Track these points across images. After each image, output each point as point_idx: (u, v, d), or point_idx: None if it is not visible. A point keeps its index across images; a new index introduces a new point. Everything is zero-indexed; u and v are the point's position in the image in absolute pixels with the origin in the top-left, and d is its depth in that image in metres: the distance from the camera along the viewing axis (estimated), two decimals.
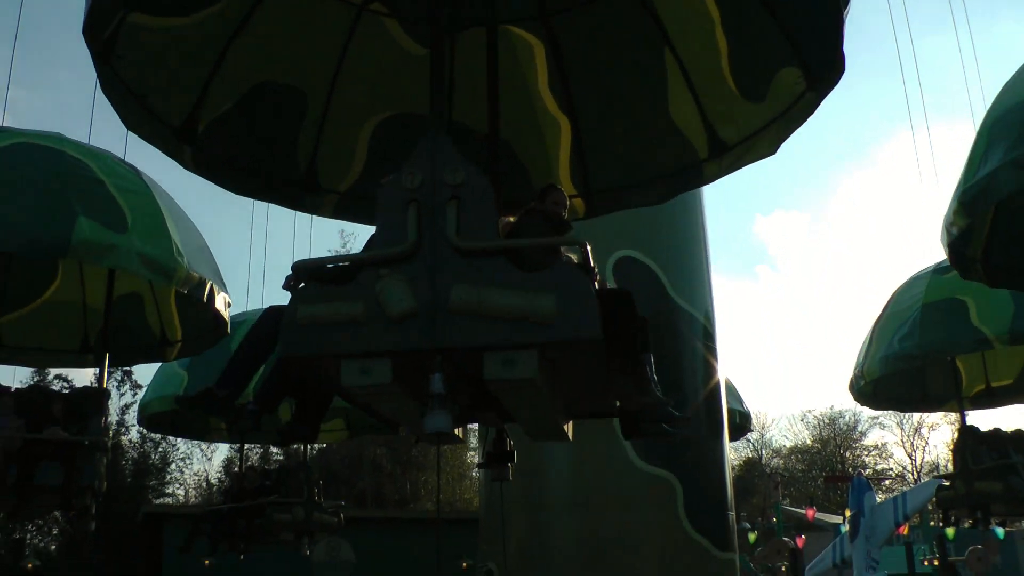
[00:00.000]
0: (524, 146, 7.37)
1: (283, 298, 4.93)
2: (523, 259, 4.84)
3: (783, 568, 29.24)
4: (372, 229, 5.45)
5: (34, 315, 13.06)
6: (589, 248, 5.09)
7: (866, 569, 26.65)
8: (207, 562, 16.61)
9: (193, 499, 38.87)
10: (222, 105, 6.54)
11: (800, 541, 30.10)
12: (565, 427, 5.86)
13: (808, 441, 59.60)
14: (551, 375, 4.82)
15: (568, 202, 6.09)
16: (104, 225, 9.61)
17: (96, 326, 12.88)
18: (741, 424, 22.38)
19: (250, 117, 6.73)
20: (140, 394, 25.44)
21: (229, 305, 11.43)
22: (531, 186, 7.27)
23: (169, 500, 36.71)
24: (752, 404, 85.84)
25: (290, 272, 5.14)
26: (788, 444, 60.21)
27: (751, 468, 56.23)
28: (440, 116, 5.31)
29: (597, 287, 5.03)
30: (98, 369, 12.07)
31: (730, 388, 20.13)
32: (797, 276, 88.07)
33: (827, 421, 57.90)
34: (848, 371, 15.12)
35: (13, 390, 12.49)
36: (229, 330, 11.80)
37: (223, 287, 11.15)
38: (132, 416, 29.12)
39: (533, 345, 4.54)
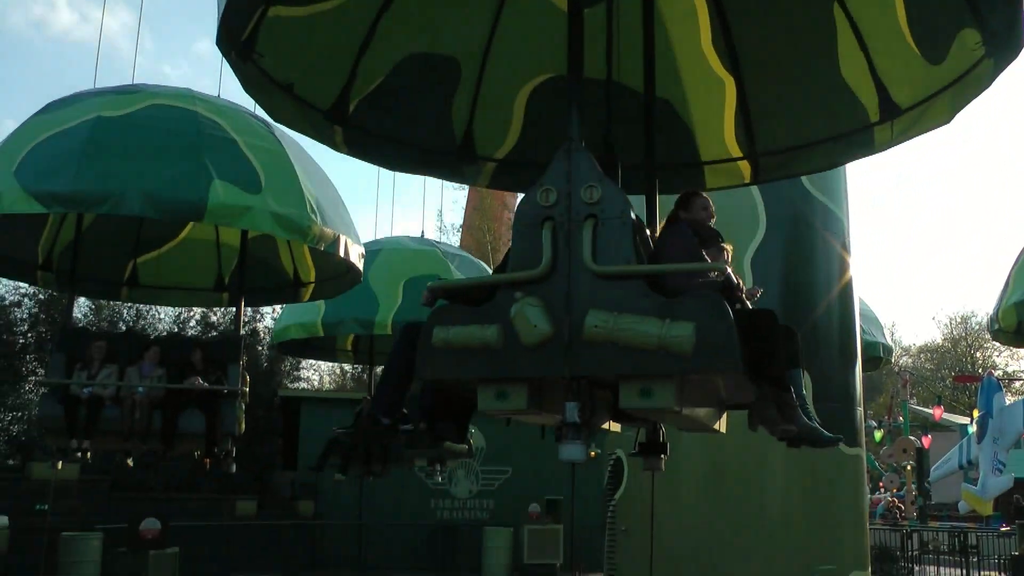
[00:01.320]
0: (687, 106, 7.07)
1: None
2: (663, 278, 4.68)
3: (908, 467, 29.23)
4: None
5: (170, 255, 13.33)
6: (731, 269, 4.95)
7: (992, 471, 26.44)
8: (337, 476, 17.36)
9: (328, 384, 40.01)
10: (372, 82, 6.40)
11: (926, 441, 29.92)
12: (716, 424, 5.78)
13: (938, 340, 58.65)
14: (692, 393, 4.70)
15: (713, 207, 5.76)
16: (238, 186, 9.67)
17: (230, 266, 13.12)
18: (884, 358, 22.24)
19: (402, 91, 6.59)
20: None
21: (363, 256, 11.46)
22: (695, 148, 7.12)
23: (304, 385, 37.86)
24: (882, 302, 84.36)
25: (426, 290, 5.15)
26: (917, 343, 59.17)
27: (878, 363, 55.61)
28: (578, 126, 5.02)
29: (739, 307, 4.86)
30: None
31: (871, 318, 20.02)
32: (935, 175, 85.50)
33: (959, 320, 56.65)
34: (982, 272, 14.95)
35: (154, 339, 13.06)
36: (363, 278, 11.92)
37: (356, 239, 11.17)
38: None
39: (671, 376, 4.43)
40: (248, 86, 5.81)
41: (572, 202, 4.67)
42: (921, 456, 29.10)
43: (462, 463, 23.63)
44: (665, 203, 6.51)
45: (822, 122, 6.78)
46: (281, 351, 20.75)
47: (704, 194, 5.73)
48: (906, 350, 59.02)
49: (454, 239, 44.32)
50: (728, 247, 5.73)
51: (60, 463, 11.49)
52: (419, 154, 6.94)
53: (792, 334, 5.21)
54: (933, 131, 6.36)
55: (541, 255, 4.61)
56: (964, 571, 21.59)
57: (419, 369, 4.71)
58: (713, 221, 5.69)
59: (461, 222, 43.66)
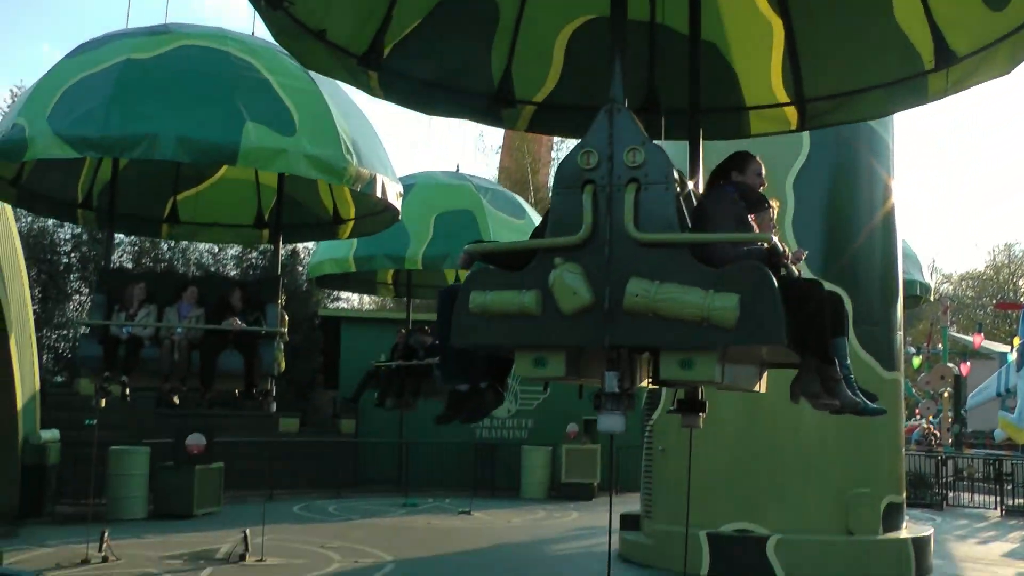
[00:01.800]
0: (734, 49, 6.84)
1: None
2: (707, 245, 4.55)
3: (945, 394, 29.20)
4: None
5: (209, 192, 13.31)
6: (776, 236, 4.78)
7: None
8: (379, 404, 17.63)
9: (367, 304, 40.28)
10: (408, 25, 6.22)
11: (964, 368, 29.83)
12: (756, 385, 5.70)
13: (980, 268, 57.94)
14: (734, 361, 4.62)
15: (764, 172, 5.51)
16: (272, 128, 9.55)
17: (270, 202, 12.99)
18: (922, 296, 22.24)
19: (439, 34, 6.39)
20: None
21: (400, 195, 11.38)
22: (740, 93, 6.96)
23: (344, 305, 38.11)
24: (925, 232, 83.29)
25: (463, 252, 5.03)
26: (959, 271, 58.56)
27: (922, 291, 55.28)
28: (620, 83, 4.80)
29: (785, 274, 4.75)
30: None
31: (911, 256, 19.96)
32: (994, 124, 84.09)
33: (1001, 248, 55.94)
34: None
35: (192, 278, 13.05)
36: (400, 216, 11.91)
37: (393, 177, 11.06)
38: None
39: (713, 348, 4.34)
40: (279, 35, 5.74)
41: (614, 165, 4.54)
42: (959, 383, 29.00)
43: None
44: (707, 149, 6.41)
45: (873, 68, 6.55)
46: (320, 285, 20.94)
47: (758, 158, 5.48)
48: (947, 277, 58.51)
49: (494, 160, 44.02)
50: (774, 204, 5.58)
51: (103, 400, 11.60)
52: (456, 98, 6.82)
53: (838, 302, 5.06)
54: (992, 81, 6.10)
55: (581, 220, 4.50)
56: (998, 498, 21.70)
57: (455, 335, 4.64)
58: (763, 188, 5.48)
59: (500, 143, 43.60)
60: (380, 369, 17.38)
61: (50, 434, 16.99)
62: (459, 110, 6.96)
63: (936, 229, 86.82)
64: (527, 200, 24.87)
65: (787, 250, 4.95)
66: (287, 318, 12.25)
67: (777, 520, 12.28)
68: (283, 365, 11.81)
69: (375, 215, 12.15)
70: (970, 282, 57.60)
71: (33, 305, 18.46)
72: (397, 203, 11.31)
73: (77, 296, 27.84)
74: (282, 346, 11.83)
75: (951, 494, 23.06)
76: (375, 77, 6.29)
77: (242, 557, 12.42)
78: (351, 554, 13.25)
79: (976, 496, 22.92)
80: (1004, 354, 31.05)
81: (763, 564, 12.07)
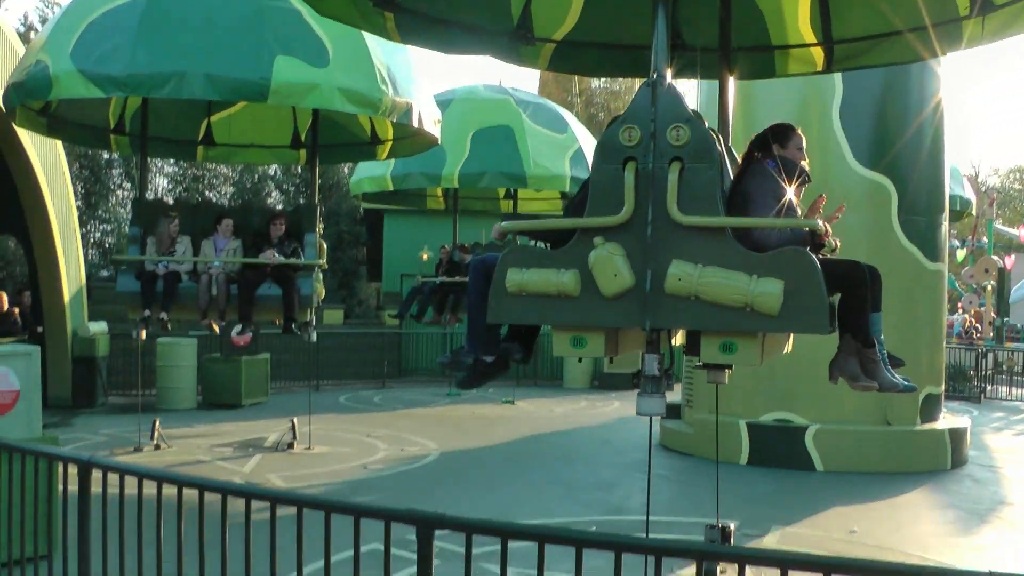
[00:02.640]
0: None
1: None
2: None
3: (989, 287, 29.00)
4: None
5: (243, 114, 13.22)
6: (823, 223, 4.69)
7: None
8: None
9: None
10: None
11: (1009, 261, 29.61)
12: (785, 349, 5.73)
13: None
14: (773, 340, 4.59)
15: (805, 146, 5.36)
16: (304, 61, 9.29)
17: (306, 123, 12.80)
18: (963, 211, 21.93)
19: None
20: None
21: (438, 122, 11.21)
22: (767, 31, 6.77)
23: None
24: (972, 122, 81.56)
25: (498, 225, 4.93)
26: (1006, 165, 57.45)
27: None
28: (664, 55, 4.63)
29: (825, 253, 4.73)
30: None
31: (952, 170, 19.65)
32: None
33: None
34: None
35: (228, 208, 13.03)
36: (440, 141, 11.78)
37: (431, 103, 10.89)
38: None
39: (755, 334, 4.30)
40: None
41: (657, 143, 4.40)
42: (1002, 277, 28.81)
43: None
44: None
45: (905, 11, 6.30)
46: (366, 200, 20.92)
47: (799, 130, 5.32)
48: (994, 170, 57.58)
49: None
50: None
51: (143, 333, 11.77)
52: (474, 36, 6.66)
53: (876, 278, 4.97)
54: None
55: (623, 199, 4.39)
56: None
57: (492, 312, 4.59)
58: (805, 162, 5.34)
59: None
60: (425, 284, 17.58)
61: (98, 326, 17.32)
62: (477, 47, 6.80)
63: (985, 121, 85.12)
64: (571, 106, 24.47)
65: (828, 228, 4.89)
66: (325, 247, 12.32)
67: (815, 411, 12.39)
68: (322, 294, 11.96)
69: (413, 136, 11.99)
70: (1017, 175, 56.62)
71: (76, 201, 18.64)
72: (435, 130, 11.13)
73: (120, 191, 28.05)
74: (320, 276, 11.86)
75: (989, 387, 23.06)
76: (391, 18, 6.13)
77: (290, 445, 12.73)
78: (397, 443, 13.54)
79: (1015, 390, 22.91)
80: None
81: (801, 453, 12.23)
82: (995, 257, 29.67)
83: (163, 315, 11.08)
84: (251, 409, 17.21)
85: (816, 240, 4.71)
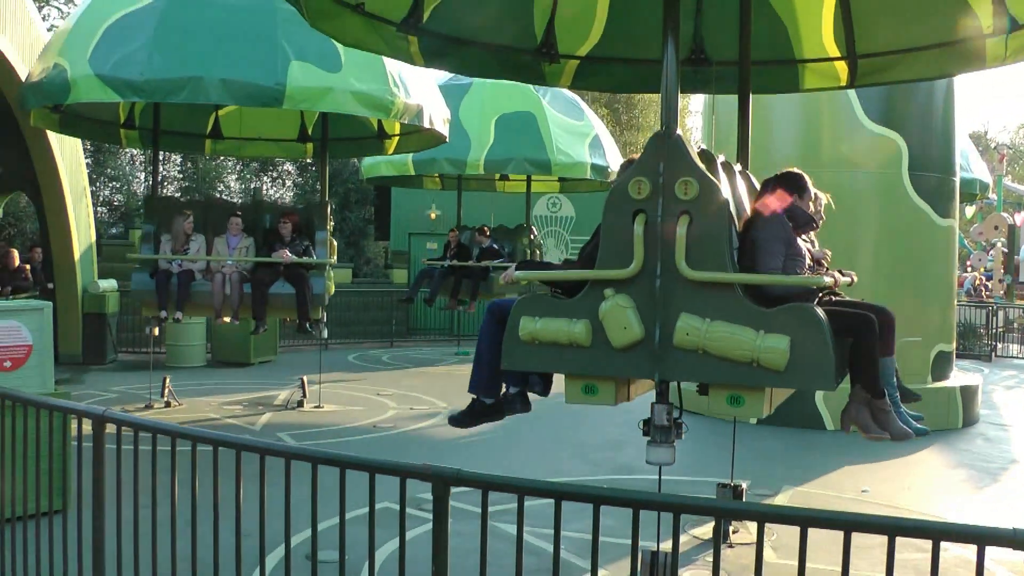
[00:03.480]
0: (784, 3, 6.66)
1: None
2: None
3: (998, 245, 28.86)
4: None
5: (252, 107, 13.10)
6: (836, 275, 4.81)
7: None
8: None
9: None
10: None
11: (1019, 218, 29.40)
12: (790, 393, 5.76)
13: None
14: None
15: (820, 199, 5.47)
16: (318, 66, 9.43)
17: (314, 116, 12.97)
18: (979, 194, 21.86)
19: None
20: None
21: (447, 121, 11.31)
22: (791, 46, 6.81)
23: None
24: (983, 78, 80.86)
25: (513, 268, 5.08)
26: (1015, 121, 57.02)
27: (975, 142, 54.21)
28: (675, 111, 4.66)
29: (835, 304, 4.77)
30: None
31: (969, 152, 19.53)
32: None
33: None
34: None
35: (239, 205, 12.98)
36: (448, 138, 11.88)
37: (441, 104, 11.00)
38: None
39: (761, 388, 4.36)
40: (315, 20, 5.62)
41: (665, 197, 4.45)
42: (1012, 234, 28.62)
43: (552, 231, 23.94)
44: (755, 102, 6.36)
45: (929, 27, 6.35)
46: (370, 183, 21.05)
47: (811, 181, 5.40)
48: (1004, 126, 57.18)
49: None
50: (824, 197, 5.67)
51: (156, 329, 11.96)
52: (498, 56, 6.73)
53: (886, 323, 5.03)
54: None
55: (632, 252, 4.46)
56: None
57: (506, 359, 4.71)
58: (822, 215, 5.51)
59: None
60: (432, 268, 17.64)
61: (108, 284, 17.34)
62: (501, 70, 6.88)
63: (994, 78, 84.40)
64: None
65: (837, 279, 4.97)
66: (336, 245, 12.48)
67: None
68: (332, 290, 12.11)
69: (420, 132, 12.09)
70: None
71: (86, 158, 18.58)
72: (444, 128, 11.27)
73: (130, 149, 27.95)
74: (332, 273, 12.09)
75: (1000, 345, 23.03)
76: (415, 42, 6.22)
77: (300, 404, 12.76)
78: (406, 401, 13.57)
79: None
80: None
81: (811, 412, 12.21)
82: (1004, 214, 29.50)
83: (178, 315, 11.31)
84: (260, 367, 17.27)
85: (824, 292, 4.85)
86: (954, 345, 13.76)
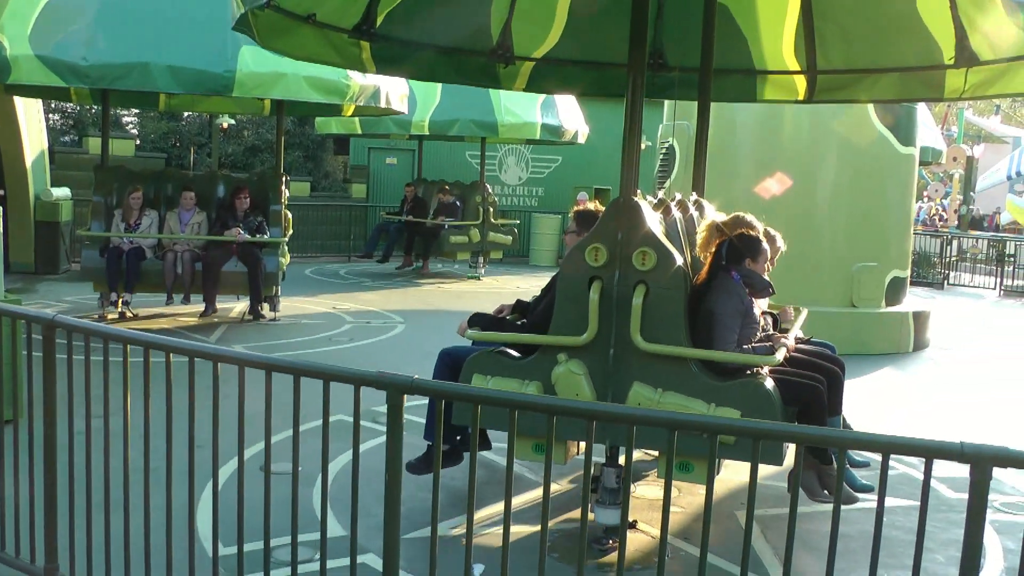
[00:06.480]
0: (747, 13, 6.59)
1: None
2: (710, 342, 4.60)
3: (956, 176, 29.11)
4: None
5: None
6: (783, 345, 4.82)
7: None
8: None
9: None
10: None
11: (978, 150, 29.59)
12: None
13: None
14: None
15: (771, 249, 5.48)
16: None
17: None
18: (930, 161, 22.10)
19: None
20: None
21: (404, 97, 11.32)
22: (750, 57, 6.80)
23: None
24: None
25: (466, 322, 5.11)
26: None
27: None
28: (633, 178, 4.60)
29: (786, 374, 4.79)
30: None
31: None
32: None
33: None
34: None
35: (191, 178, 12.84)
36: (407, 110, 11.99)
37: (399, 83, 11.04)
38: None
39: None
40: (267, 40, 5.49)
41: (622, 266, 4.46)
42: (970, 165, 28.83)
43: (512, 149, 23.80)
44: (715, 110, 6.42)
45: (891, 51, 6.34)
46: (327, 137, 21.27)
47: (766, 244, 5.37)
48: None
49: None
50: (781, 245, 5.80)
51: (108, 309, 11.74)
52: (453, 62, 6.67)
53: (835, 385, 5.12)
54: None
55: (587, 319, 4.47)
56: (998, 280, 21.97)
57: (456, 416, 4.69)
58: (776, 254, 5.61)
59: None
60: (389, 223, 17.76)
61: (61, 192, 17.06)
62: (455, 73, 6.82)
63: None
64: None
65: (789, 349, 4.96)
66: (290, 218, 12.46)
67: (785, 293, 12.42)
68: (285, 268, 12.21)
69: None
70: None
71: None
72: (402, 106, 11.39)
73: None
74: (286, 249, 12.10)
75: (953, 274, 23.33)
76: (367, 48, 6.13)
77: (256, 317, 12.68)
78: (363, 316, 13.53)
79: (976, 277, 23.22)
80: (1018, 138, 30.73)
81: None
82: (964, 146, 29.70)
83: (127, 299, 11.45)
84: None
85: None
86: (909, 272, 13.91)
